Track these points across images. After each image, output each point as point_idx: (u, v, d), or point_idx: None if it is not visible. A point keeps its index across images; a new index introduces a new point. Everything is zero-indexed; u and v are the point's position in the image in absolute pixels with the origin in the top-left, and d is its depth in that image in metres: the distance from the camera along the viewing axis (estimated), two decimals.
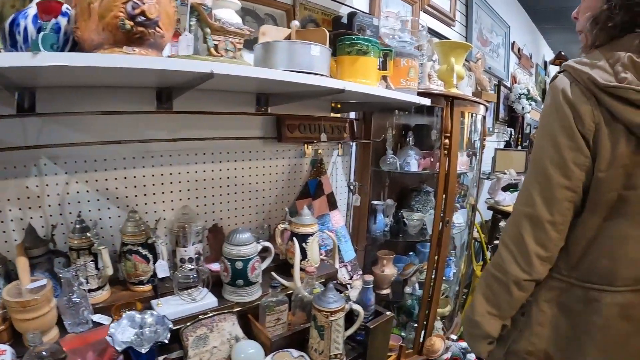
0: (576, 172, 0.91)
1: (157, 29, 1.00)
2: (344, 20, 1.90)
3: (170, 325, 1.14)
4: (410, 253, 2.54)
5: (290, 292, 1.49)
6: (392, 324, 1.59)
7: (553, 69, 6.49)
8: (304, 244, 1.57)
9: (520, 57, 4.86)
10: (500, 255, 1.00)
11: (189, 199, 1.57)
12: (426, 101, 1.79)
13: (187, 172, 1.55)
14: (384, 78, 1.73)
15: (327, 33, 1.48)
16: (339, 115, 2.04)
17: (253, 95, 1.66)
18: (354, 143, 2.15)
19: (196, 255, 1.46)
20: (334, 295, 1.31)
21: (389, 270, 2.24)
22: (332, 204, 1.92)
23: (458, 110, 2.08)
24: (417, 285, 2.33)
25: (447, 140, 2.03)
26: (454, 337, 2.59)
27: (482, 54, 3.19)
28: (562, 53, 5.84)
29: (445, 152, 2.04)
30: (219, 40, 1.17)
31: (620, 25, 0.91)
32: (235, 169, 1.69)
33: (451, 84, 2.12)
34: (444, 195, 2.10)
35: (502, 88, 4.17)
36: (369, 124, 2.14)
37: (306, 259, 1.58)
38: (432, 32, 2.80)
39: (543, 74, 6.12)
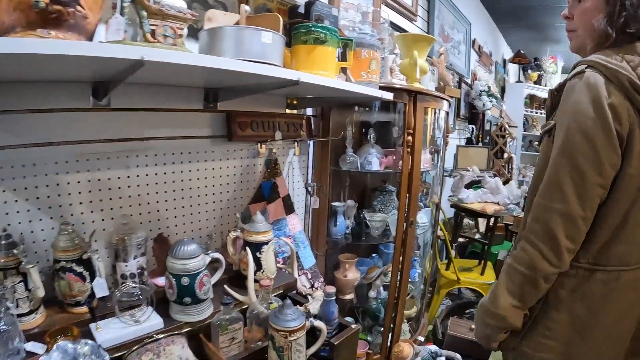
0: (609, 170, 0.96)
1: (78, 7, 0.86)
2: (301, 10, 1.78)
3: (106, 358, 0.97)
4: (374, 255, 2.45)
5: (245, 306, 1.35)
6: (358, 336, 1.48)
7: (512, 67, 6.61)
8: (258, 254, 1.43)
9: (480, 54, 4.89)
10: (526, 252, 1.02)
11: (130, 206, 1.39)
12: (388, 95, 1.68)
13: (128, 177, 1.37)
14: (344, 70, 1.61)
15: (281, 19, 1.35)
16: (295, 111, 1.91)
17: (201, 90, 1.50)
18: (312, 141, 2.02)
19: (139, 270, 1.28)
20: (293, 312, 1.18)
21: (352, 275, 2.13)
22: (289, 208, 1.78)
23: (421, 106, 1.99)
24: (381, 289, 2.23)
25: (410, 137, 1.93)
26: (421, 338, 2.51)
27: (444, 49, 3.14)
28: (522, 51, 5.94)
29: (408, 149, 1.95)
30: (156, 25, 1.01)
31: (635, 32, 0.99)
32: (182, 171, 1.52)
33: (414, 78, 2.03)
34: (407, 195, 2.01)
35: (463, 85, 4.16)
36: (327, 121, 2.02)
37: (261, 270, 1.44)
38: (394, 26, 2.72)
39: (502, 71, 6.21)
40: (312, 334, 1.27)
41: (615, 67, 0.95)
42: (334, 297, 1.41)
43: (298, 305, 1.39)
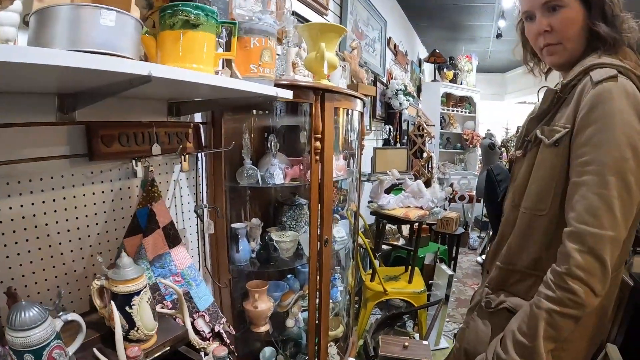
0: None
1: None
2: None
3: None
4: (289, 276, 2.17)
5: None
6: None
7: (428, 67, 6.68)
8: (127, 308, 1.08)
9: (396, 53, 4.82)
10: (576, 293, 0.89)
11: None
12: (286, 94, 1.39)
13: None
14: (228, 64, 1.29)
15: None
16: (179, 118, 1.56)
17: (53, 96, 1.13)
18: (202, 154, 1.67)
19: None
20: None
21: (264, 305, 1.82)
22: (173, 239, 1.42)
23: (331, 106, 1.72)
24: (300, 316, 1.97)
25: (318, 143, 1.66)
26: None
27: (357, 43, 2.94)
28: (437, 51, 5.99)
29: (317, 157, 1.67)
30: None
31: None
32: (33, 204, 1.13)
33: (322, 74, 1.76)
34: (319, 209, 1.73)
35: (378, 84, 4.02)
36: (219, 128, 1.68)
37: (135, 328, 1.09)
38: (302, 20, 2.46)
39: (418, 71, 6.25)
40: None
41: None
42: None
43: None
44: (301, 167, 1.79)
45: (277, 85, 1.42)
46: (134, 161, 1.37)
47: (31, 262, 1.14)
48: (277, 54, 1.86)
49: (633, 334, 1.81)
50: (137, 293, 1.11)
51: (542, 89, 1.13)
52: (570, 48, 1.03)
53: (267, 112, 1.78)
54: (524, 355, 0.92)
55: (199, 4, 1.10)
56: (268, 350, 1.98)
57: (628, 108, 0.89)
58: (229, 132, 1.72)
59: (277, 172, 1.69)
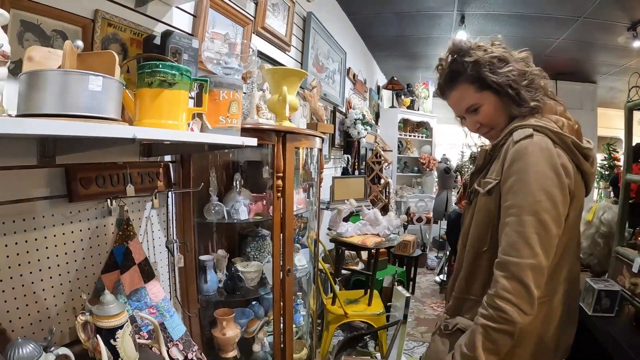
0: (563, 222, 1.11)
1: None
2: (158, 40, 1.56)
3: None
4: (254, 302, 2.26)
5: None
6: None
7: (386, 93, 6.95)
8: (112, 341, 1.18)
9: (355, 82, 5.01)
10: (505, 311, 1.05)
11: None
12: (252, 141, 1.54)
13: None
14: (199, 115, 1.43)
15: (116, 57, 1.13)
16: (149, 158, 1.67)
17: (34, 141, 1.23)
18: (172, 192, 1.78)
19: None
20: None
21: (231, 332, 1.92)
22: (148, 274, 1.52)
23: (292, 146, 1.88)
24: (266, 341, 2.07)
25: (280, 181, 1.80)
26: None
27: (317, 82, 3.10)
28: (395, 78, 6.27)
29: (279, 194, 1.81)
30: None
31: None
32: (17, 243, 1.21)
33: (283, 116, 1.91)
34: (281, 241, 1.87)
35: (337, 114, 4.18)
36: (188, 167, 1.81)
37: (119, 359, 1.19)
38: (266, 58, 2.59)
39: (376, 97, 6.48)
40: None
41: (558, 130, 1.13)
42: None
43: None
44: (264, 203, 1.92)
45: (242, 128, 1.55)
46: (109, 200, 1.46)
47: (15, 298, 1.21)
48: (244, 92, 2.00)
49: None
50: (120, 327, 1.21)
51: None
52: (500, 128, 1.25)
53: (232, 150, 1.91)
54: None
55: (174, 64, 1.23)
56: None
57: (541, 160, 1.08)
58: (197, 170, 1.84)
59: (242, 208, 1.81)
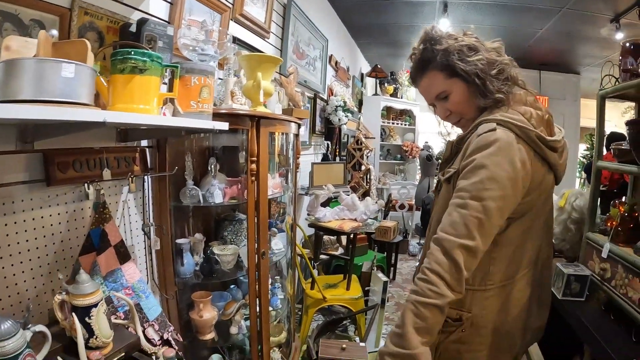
0: (506, 215, 1.13)
1: None
2: (133, 28, 1.58)
3: None
4: (232, 286, 2.30)
5: None
6: None
7: (369, 81, 6.98)
8: (87, 318, 1.22)
9: (337, 69, 5.03)
10: (431, 282, 1.06)
11: None
12: (223, 126, 1.57)
13: None
14: (172, 101, 1.45)
15: (89, 45, 1.16)
16: (127, 143, 1.69)
17: (13, 127, 1.25)
18: (148, 176, 1.81)
19: None
20: None
21: (209, 314, 1.97)
22: (124, 256, 1.56)
23: (266, 131, 1.91)
24: (243, 323, 2.12)
25: (254, 165, 1.84)
26: None
27: (295, 68, 3.12)
28: (379, 66, 6.30)
29: (253, 178, 1.85)
30: None
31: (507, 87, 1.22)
32: None
33: (258, 101, 1.95)
34: (255, 225, 1.91)
35: (318, 101, 4.21)
36: (164, 152, 1.83)
37: (94, 336, 1.23)
38: (244, 45, 2.61)
39: (360, 85, 6.51)
40: None
41: (522, 124, 1.14)
42: None
43: None
44: (239, 187, 1.96)
45: (215, 113, 1.59)
46: (86, 185, 1.48)
47: None
48: (220, 78, 2.03)
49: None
50: (95, 305, 1.25)
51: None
52: (470, 117, 1.28)
53: (207, 135, 1.94)
54: (397, 343, 1.06)
55: (146, 51, 1.26)
56: (215, 357, 2.08)
57: (499, 152, 1.10)
58: (172, 154, 1.87)
59: (217, 192, 1.85)
